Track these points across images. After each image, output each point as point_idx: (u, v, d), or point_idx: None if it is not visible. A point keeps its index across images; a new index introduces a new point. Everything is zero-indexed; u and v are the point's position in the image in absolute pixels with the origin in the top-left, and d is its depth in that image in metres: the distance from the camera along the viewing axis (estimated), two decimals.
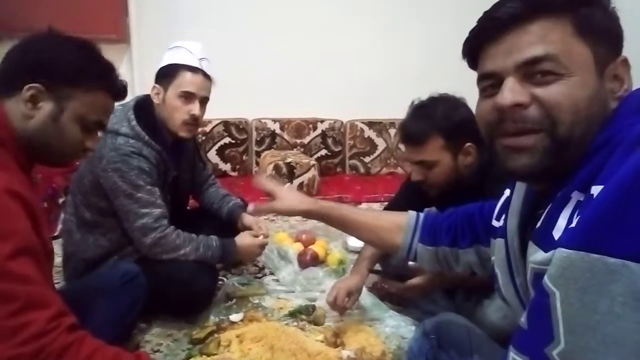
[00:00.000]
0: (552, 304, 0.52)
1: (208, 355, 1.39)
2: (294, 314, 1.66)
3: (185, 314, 1.62)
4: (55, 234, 2.13)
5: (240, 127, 3.55)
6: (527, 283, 0.67)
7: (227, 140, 3.52)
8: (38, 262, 0.83)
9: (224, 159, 3.53)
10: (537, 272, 0.61)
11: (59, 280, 1.69)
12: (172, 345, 1.50)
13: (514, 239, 0.75)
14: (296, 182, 3.17)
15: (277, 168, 3.16)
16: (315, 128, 3.68)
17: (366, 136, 3.76)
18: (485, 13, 0.68)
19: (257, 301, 1.76)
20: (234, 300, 1.75)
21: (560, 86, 0.62)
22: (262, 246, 1.80)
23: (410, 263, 1.32)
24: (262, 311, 1.69)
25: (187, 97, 1.60)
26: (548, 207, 0.63)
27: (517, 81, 0.64)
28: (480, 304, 1.45)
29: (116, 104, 1.08)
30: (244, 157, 3.58)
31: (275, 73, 3.49)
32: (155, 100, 1.63)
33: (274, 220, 2.71)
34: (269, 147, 3.59)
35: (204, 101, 1.65)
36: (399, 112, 1.60)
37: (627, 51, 0.65)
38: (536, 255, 0.62)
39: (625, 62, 0.65)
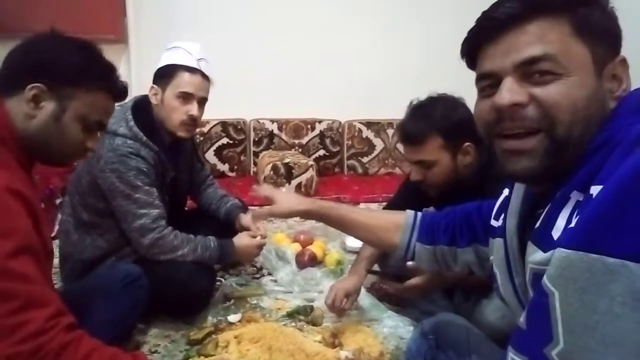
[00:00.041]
0: (552, 304, 0.52)
1: (206, 356, 1.39)
2: (292, 315, 1.66)
3: (183, 314, 1.62)
4: (53, 234, 2.12)
5: (238, 127, 3.55)
6: (526, 283, 0.67)
7: (225, 140, 3.51)
8: (38, 261, 0.83)
9: (222, 160, 3.52)
10: (536, 272, 0.61)
11: (56, 281, 1.68)
12: (169, 346, 1.49)
13: (513, 239, 0.74)
14: (294, 182, 3.17)
15: (275, 168, 3.16)
16: (313, 128, 3.68)
17: (364, 136, 3.76)
18: (484, 13, 0.68)
19: (255, 302, 1.76)
20: (232, 301, 1.75)
21: (559, 86, 0.62)
22: (260, 247, 1.80)
23: (409, 263, 1.32)
24: (260, 312, 1.69)
25: (185, 97, 1.60)
26: (547, 207, 0.63)
27: (516, 81, 0.64)
28: (478, 304, 1.45)
29: None
30: (242, 158, 3.58)
31: (273, 73, 3.49)
32: (153, 100, 1.63)
33: (272, 220, 2.71)
34: (267, 148, 3.59)
35: (202, 102, 1.65)
36: (397, 112, 1.60)
37: (625, 51, 0.66)
38: (535, 255, 0.62)
39: (624, 62, 0.65)
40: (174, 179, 1.72)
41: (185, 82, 1.60)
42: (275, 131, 3.62)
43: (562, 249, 0.51)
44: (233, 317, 1.60)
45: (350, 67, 3.65)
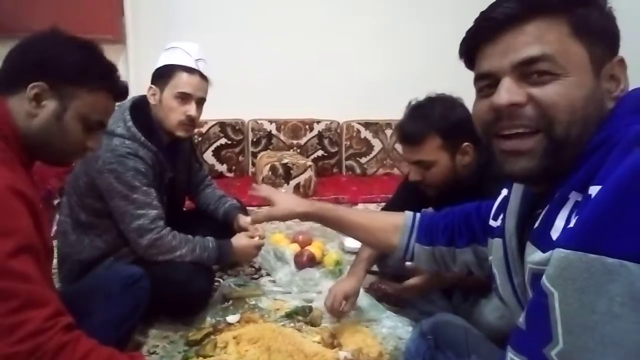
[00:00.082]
0: (551, 304, 0.52)
1: (204, 357, 1.39)
2: (290, 315, 1.66)
3: (182, 315, 1.61)
4: (51, 235, 2.12)
5: (237, 128, 3.55)
6: (525, 283, 0.67)
7: (223, 141, 3.51)
8: (38, 260, 0.83)
9: (220, 160, 3.52)
10: (535, 273, 0.61)
11: (54, 282, 1.68)
12: (168, 347, 1.49)
13: (512, 239, 0.75)
14: (292, 183, 3.17)
15: (273, 169, 3.16)
16: (311, 129, 3.68)
17: (362, 137, 3.76)
18: (482, 13, 0.68)
19: (253, 302, 1.76)
20: (231, 302, 1.74)
21: (557, 86, 0.62)
22: (259, 247, 1.79)
23: (408, 263, 1.32)
24: (258, 312, 1.69)
25: (184, 98, 1.60)
26: (546, 208, 0.64)
27: (514, 81, 0.64)
28: (477, 304, 1.45)
29: None
30: (240, 158, 3.58)
31: (271, 74, 3.48)
32: (152, 101, 1.62)
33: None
34: (265, 148, 3.58)
35: (200, 102, 1.65)
36: (396, 113, 1.60)
37: (623, 51, 0.66)
38: (534, 255, 0.62)
39: (622, 62, 0.65)
40: (172, 180, 1.72)
41: (183, 82, 1.59)
42: (274, 132, 3.62)
43: (561, 249, 0.51)
44: (232, 318, 1.60)
45: (348, 68, 3.65)
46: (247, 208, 2.10)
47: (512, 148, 0.66)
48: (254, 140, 3.59)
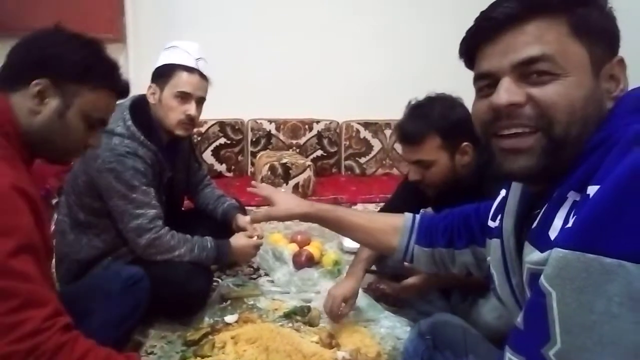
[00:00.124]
0: (549, 304, 0.52)
1: (202, 357, 1.39)
2: (288, 315, 1.65)
3: (180, 315, 1.61)
4: (51, 234, 2.12)
5: (236, 127, 3.54)
6: (523, 283, 0.67)
7: (222, 140, 3.51)
8: (38, 259, 0.83)
9: (220, 160, 3.51)
10: (533, 273, 0.61)
11: None
12: (166, 347, 1.49)
13: (510, 239, 0.74)
14: (292, 182, 3.16)
15: (272, 169, 3.15)
16: (310, 129, 3.67)
17: (362, 137, 3.76)
18: (482, 13, 0.68)
19: (252, 302, 1.76)
20: (229, 302, 1.74)
21: (556, 86, 0.62)
22: (257, 247, 1.79)
23: (406, 263, 1.32)
24: (257, 312, 1.68)
25: (183, 97, 1.59)
26: (544, 207, 0.63)
27: (513, 81, 0.64)
28: (475, 304, 1.45)
29: None
30: (240, 158, 3.57)
31: (271, 74, 3.48)
32: (151, 100, 1.62)
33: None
34: (264, 148, 3.58)
35: (200, 101, 1.65)
36: (395, 113, 1.60)
37: (623, 51, 0.66)
38: (532, 255, 0.62)
39: (622, 62, 0.65)
40: (171, 179, 1.72)
41: (183, 81, 1.59)
42: (273, 131, 3.61)
43: (559, 249, 0.51)
44: (230, 318, 1.60)
45: (348, 68, 3.65)
46: (246, 208, 2.10)
47: (511, 146, 0.65)
48: (253, 140, 3.59)
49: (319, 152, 3.69)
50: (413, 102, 1.48)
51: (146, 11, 3.28)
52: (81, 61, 0.95)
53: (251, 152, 3.58)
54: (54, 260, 1.60)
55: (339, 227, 1.16)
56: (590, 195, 0.52)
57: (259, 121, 3.60)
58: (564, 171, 0.62)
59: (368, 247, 1.42)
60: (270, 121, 3.61)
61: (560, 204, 0.60)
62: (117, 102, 1.09)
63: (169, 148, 1.68)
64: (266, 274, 1.99)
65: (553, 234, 0.59)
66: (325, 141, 3.70)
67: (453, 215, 1.04)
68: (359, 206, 3.05)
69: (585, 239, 0.50)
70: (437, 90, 1.48)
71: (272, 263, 1.99)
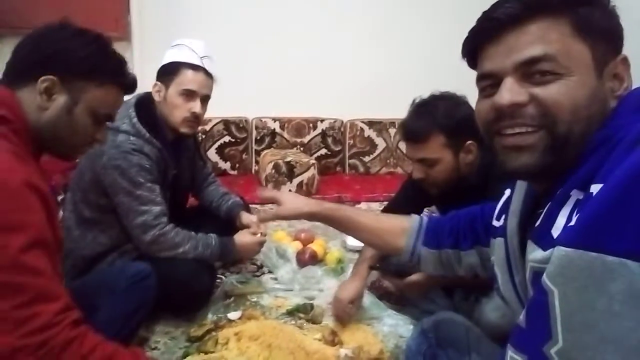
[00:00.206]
0: (551, 302, 0.52)
1: (206, 353, 1.39)
2: (292, 313, 1.66)
3: (184, 312, 1.62)
4: (60, 228, 2.13)
5: (240, 125, 3.55)
6: (526, 281, 0.67)
7: (227, 138, 3.51)
8: (49, 254, 0.84)
9: (224, 158, 3.52)
10: (536, 271, 0.61)
11: None
12: (169, 343, 1.50)
13: (514, 238, 0.75)
14: (296, 181, 3.17)
15: (276, 167, 3.16)
16: (315, 127, 3.68)
17: (366, 136, 3.75)
18: (484, 13, 0.68)
19: (255, 299, 1.76)
20: (232, 299, 1.75)
21: (559, 86, 0.62)
22: (261, 244, 1.80)
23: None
24: (260, 309, 1.69)
25: (189, 95, 1.60)
26: (547, 206, 0.63)
27: (516, 81, 0.64)
28: (478, 302, 1.45)
29: None
30: (244, 156, 3.58)
31: (276, 72, 3.48)
32: (157, 97, 1.63)
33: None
34: (268, 146, 3.58)
35: (205, 99, 1.65)
36: (399, 111, 1.60)
37: (627, 50, 0.65)
38: (535, 253, 0.62)
39: (625, 60, 0.65)
40: (176, 177, 1.73)
41: (188, 79, 1.60)
42: (277, 130, 3.62)
43: (561, 247, 0.51)
44: (233, 315, 1.61)
45: (352, 67, 3.64)
46: (251, 206, 2.10)
47: (514, 144, 0.66)
48: (258, 138, 3.59)
49: (323, 151, 3.69)
50: (417, 101, 1.48)
51: (151, 9, 3.29)
52: (88, 57, 0.95)
53: (255, 150, 3.59)
54: None
55: (346, 227, 1.16)
56: (594, 194, 0.52)
57: (263, 119, 3.60)
58: (567, 170, 0.62)
59: (374, 248, 1.42)
60: (274, 119, 3.61)
61: (563, 203, 0.60)
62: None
63: (174, 145, 1.68)
64: (270, 272, 1.99)
65: (556, 232, 0.59)
66: (330, 140, 3.70)
67: (459, 216, 1.05)
68: (363, 205, 3.05)
69: (587, 237, 0.50)
70: (442, 89, 1.48)
71: (276, 260, 1.99)
